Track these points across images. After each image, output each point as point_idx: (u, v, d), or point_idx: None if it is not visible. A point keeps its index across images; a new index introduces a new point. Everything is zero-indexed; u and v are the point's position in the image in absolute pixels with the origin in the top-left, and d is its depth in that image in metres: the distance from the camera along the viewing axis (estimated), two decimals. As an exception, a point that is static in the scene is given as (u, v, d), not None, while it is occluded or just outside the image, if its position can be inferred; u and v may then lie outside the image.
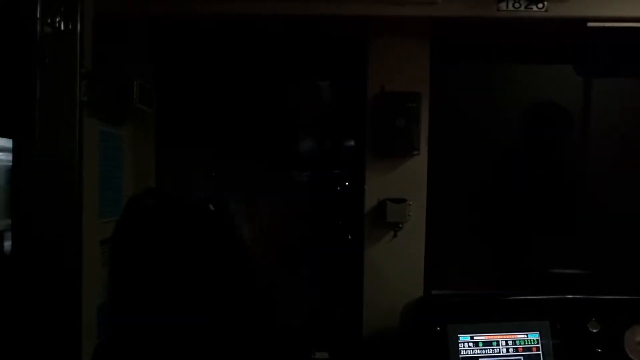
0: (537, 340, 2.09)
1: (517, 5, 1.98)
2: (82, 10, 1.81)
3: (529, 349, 2.08)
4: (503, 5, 1.99)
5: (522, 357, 2.07)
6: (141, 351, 1.54)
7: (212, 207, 1.60)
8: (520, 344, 2.08)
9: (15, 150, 1.65)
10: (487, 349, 2.07)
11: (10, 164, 1.70)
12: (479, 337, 2.08)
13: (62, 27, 1.73)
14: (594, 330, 2.12)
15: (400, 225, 2.27)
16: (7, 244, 2.09)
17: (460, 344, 2.06)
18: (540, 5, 1.97)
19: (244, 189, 2.51)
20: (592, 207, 2.56)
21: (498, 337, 2.08)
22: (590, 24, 1.99)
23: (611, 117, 2.55)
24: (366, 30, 2.24)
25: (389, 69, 2.25)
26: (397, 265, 2.29)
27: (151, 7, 2.02)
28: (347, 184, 2.53)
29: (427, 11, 2.02)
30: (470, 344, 2.07)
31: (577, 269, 2.50)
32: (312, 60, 2.50)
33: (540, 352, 2.08)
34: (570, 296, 2.19)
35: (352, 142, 2.51)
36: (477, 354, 2.06)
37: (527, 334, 2.09)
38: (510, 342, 2.08)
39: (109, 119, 2.11)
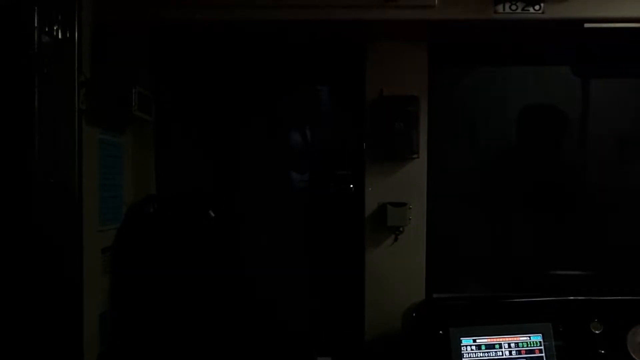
0: (540, 342, 2.08)
1: (514, 7, 1.98)
2: (80, 18, 1.82)
3: (532, 352, 2.07)
4: (500, 8, 1.99)
5: (525, 360, 2.07)
6: (144, 358, 1.54)
7: (212, 214, 1.60)
8: (523, 347, 2.08)
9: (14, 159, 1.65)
10: (489, 351, 2.07)
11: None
12: (482, 340, 2.07)
13: (61, 36, 1.74)
14: (597, 332, 2.12)
15: (401, 229, 2.27)
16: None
17: (462, 347, 2.06)
18: (537, 7, 1.97)
19: (243, 194, 2.51)
20: (593, 207, 2.56)
21: (500, 339, 2.08)
22: (587, 25, 1.99)
23: (610, 117, 2.55)
24: (364, 35, 2.24)
25: (388, 72, 2.26)
26: (398, 269, 2.28)
27: (150, 15, 2.03)
28: (347, 187, 2.53)
29: (424, 14, 2.02)
30: (473, 347, 2.06)
31: (578, 270, 2.50)
32: (311, 66, 2.51)
33: (543, 354, 2.07)
34: (572, 297, 2.19)
35: (351, 147, 2.51)
36: (480, 357, 2.06)
37: (529, 336, 2.09)
38: (512, 345, 2.08)
39: (108, 127, 2.11)
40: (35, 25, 1.63)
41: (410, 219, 2.26)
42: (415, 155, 2.26)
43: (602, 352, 2.09)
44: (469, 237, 2.54)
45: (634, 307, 2.18)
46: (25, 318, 1.66)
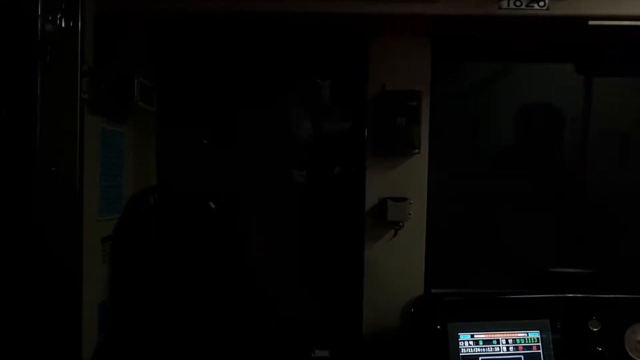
0: (538, 338, 2.09)
1: (518, 3, 1.98)
2: (83, 8, 1.81)
3: (529, 348, 2.08)
4: (504, 4, 1.98)
5: (522, 356, 2.08)
6: (142, 348, 1.55)
7: (212, 205, 1.60)
8: (520, 343, 2.08)
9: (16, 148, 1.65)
10: (487, 347, 2.07)
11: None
12: (480, 336, 2.08)
13: (64, 25, 1.73)
14: (595, 329, 2.12)
15: (401, 224, 2.27)
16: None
17: (460, 342, 2.06)
18: (541, 3, 1.97)
19: (244, 186, 2.51)
20: (593, 206, 2.56)
21: (498, 335, 2.08)
22: (591, 22, 1.99)
23: (612, 115, 2.55)
24: (367, 29, 2.24)
25: (390, 67, 2.25)
26: (397, 264, 2.29)
27: (152, 5, 2.02)
28: (347, 182, 2.53)
29: (428, 9, 2.01)
30: (471, 343, 2.07)
31: (577, 267, 2.50)
32: (313, 59, 2.51)
33: (541, 351, 2.08)
34: (570, 295, 2.20)
35: (352, 141, 2.51)
36: (478, 352, 2.06)
37: (527, 333, 2.09)
38: (510, 341, 2.08)
39: (110, 117, 2.11)
40: (39, 13, 1.63)
41: (410, 214, 2.26)
42: (416, 151, 2.26)
43: (600, 349, 2.10)
44: (469, 232, 2.55)
45: (632, 306, 2.18)
46: (25, 307, 1.67)
